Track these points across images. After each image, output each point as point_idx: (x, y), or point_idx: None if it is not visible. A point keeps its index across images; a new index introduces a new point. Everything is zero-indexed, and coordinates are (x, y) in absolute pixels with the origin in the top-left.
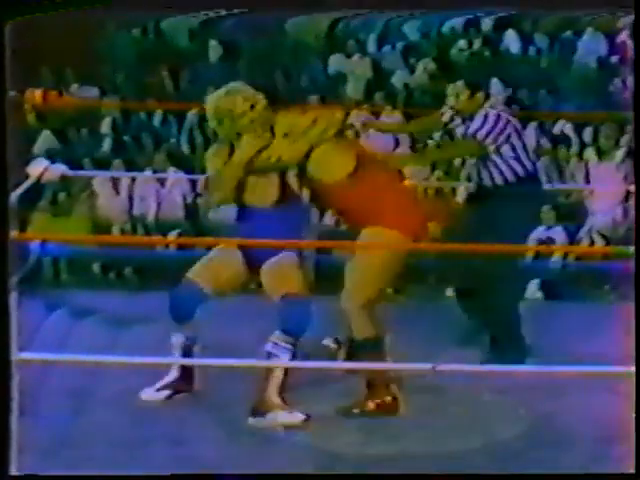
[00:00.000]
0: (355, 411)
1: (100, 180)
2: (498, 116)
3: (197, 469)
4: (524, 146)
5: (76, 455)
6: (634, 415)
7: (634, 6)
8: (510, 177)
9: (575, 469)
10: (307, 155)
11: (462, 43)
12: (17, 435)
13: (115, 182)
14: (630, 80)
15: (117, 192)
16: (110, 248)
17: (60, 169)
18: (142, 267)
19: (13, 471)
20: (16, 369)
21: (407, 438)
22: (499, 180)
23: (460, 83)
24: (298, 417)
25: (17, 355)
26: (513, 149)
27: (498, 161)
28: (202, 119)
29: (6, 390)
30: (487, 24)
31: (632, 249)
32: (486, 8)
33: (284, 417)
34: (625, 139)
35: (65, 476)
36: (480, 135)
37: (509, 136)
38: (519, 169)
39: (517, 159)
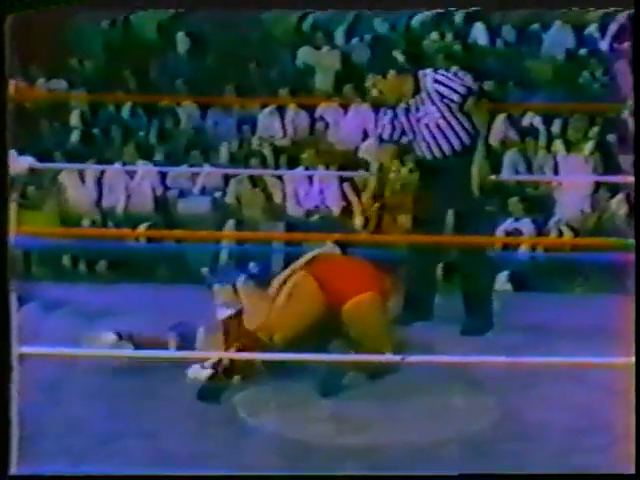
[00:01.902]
0: None
1: (67, 173)
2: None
3: (168, 461)
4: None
5: (50, 448)
6: (634, 415)
7: (634, 6)
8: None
9: (546, 461)
10: None
11: (430, 35)
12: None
13: (85, 175)
14: (629, 75)
15: (87, 184)
16: (80, 241)
17: (27, 161)
18: (112, 260)
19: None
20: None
21: (378, 429)
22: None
23: (370, 75)
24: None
25: (18, 349)
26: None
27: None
28: (170, 112)
29: (6, 385)
30: (456, 17)
31: (631, 241)
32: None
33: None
34: (594, 131)
35: (65, 476)
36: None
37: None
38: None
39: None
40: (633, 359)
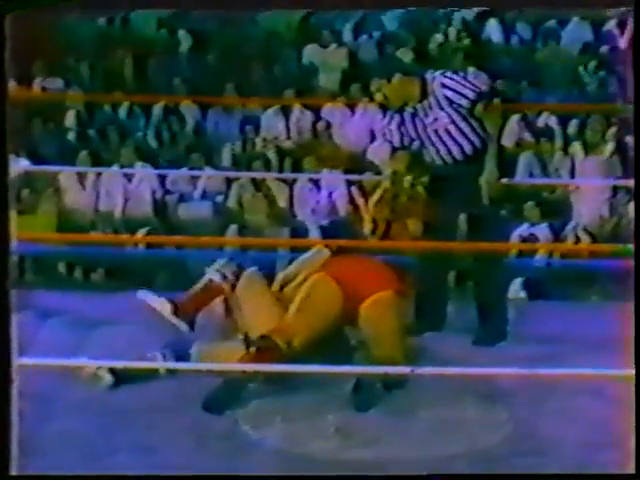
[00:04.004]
0: None
1: (66, 176)
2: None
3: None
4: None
5: (42, 462)
6: (634, 416)
7: (634, 6)
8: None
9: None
10: None
11: (442, 33)
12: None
13: (81, 177)
14: (630, 77)
15: (83, 187)
16: (76, 247)
17: (23, 164)
18: (109, 266)
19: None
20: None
21: (386, 443)
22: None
23: (374, 80)
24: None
25: (18, 360)
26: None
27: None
28: (169, 112)
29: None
30: (469, 14)
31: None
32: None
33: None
34: (612, 132)
35: (65, 476)
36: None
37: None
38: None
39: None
40: (633, 371)
